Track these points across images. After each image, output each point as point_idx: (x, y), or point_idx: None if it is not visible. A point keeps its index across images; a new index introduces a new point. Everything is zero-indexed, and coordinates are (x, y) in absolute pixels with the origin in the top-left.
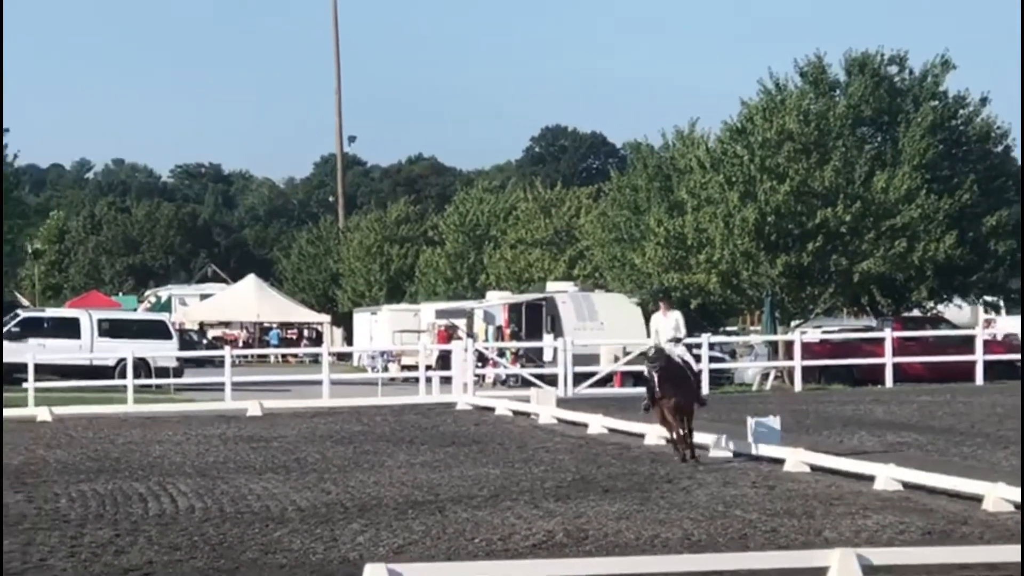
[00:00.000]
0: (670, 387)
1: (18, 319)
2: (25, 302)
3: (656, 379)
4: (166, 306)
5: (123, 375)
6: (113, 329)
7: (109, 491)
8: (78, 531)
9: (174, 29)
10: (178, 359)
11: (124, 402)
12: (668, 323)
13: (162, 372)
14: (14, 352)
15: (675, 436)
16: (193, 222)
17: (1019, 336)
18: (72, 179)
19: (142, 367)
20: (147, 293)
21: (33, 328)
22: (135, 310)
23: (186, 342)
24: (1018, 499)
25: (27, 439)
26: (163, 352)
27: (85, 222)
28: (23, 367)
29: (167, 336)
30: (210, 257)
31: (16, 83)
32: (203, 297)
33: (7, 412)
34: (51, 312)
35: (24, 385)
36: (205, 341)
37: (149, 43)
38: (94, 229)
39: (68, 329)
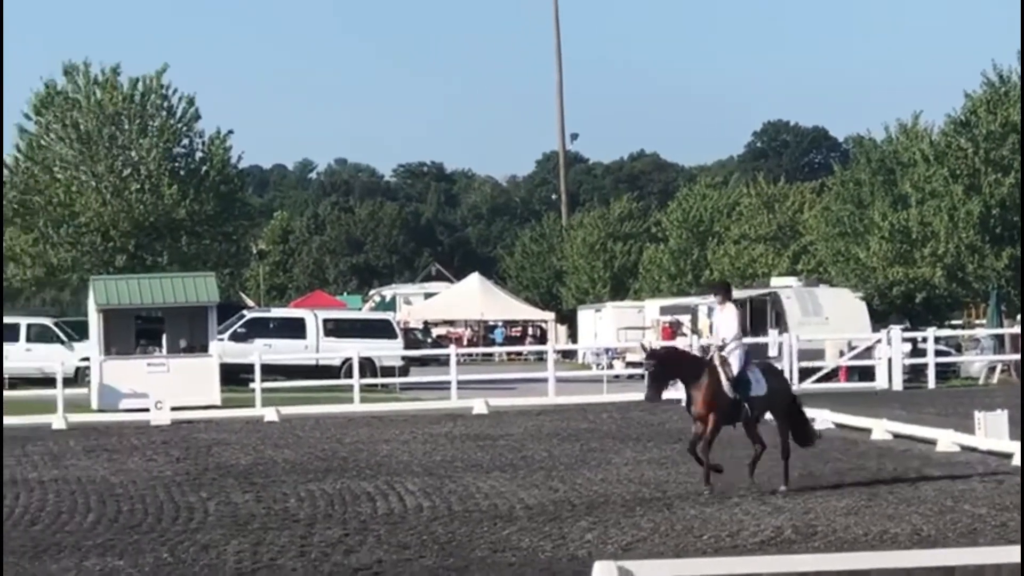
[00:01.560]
0: (654, 391)
1: (244, 319)
2: (250, 303)
3: (647, 380)
4: (390, 305)
5: (349, 374)
6: (338, 329)
7: (337, 490)
8: (307, 530)
9: (395, 29)
10: (403, 358)
11: (350, 401)
12: (721, 321)
13: (388, 371)
14: (240, 352)
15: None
16: (416, 221)
17: None
18: (295, 179)
19: (368, 366)
20: (371, 292)
21: (259, 328)
22: (360, 309)
23: (411, 341)
24: None
25: (254, 439)
26: (388, 351)
27: (309, 222)
28: (249, 367)
29: (392, 335)
30: (434, 256)
31: (240, 84)
32: (427, 296)
33: (235, 412)
34: (276, 312)
35: (251, 385)
36: (430, 340)
37: (370, 44)
38: (318, 229)
39: (294, 329)
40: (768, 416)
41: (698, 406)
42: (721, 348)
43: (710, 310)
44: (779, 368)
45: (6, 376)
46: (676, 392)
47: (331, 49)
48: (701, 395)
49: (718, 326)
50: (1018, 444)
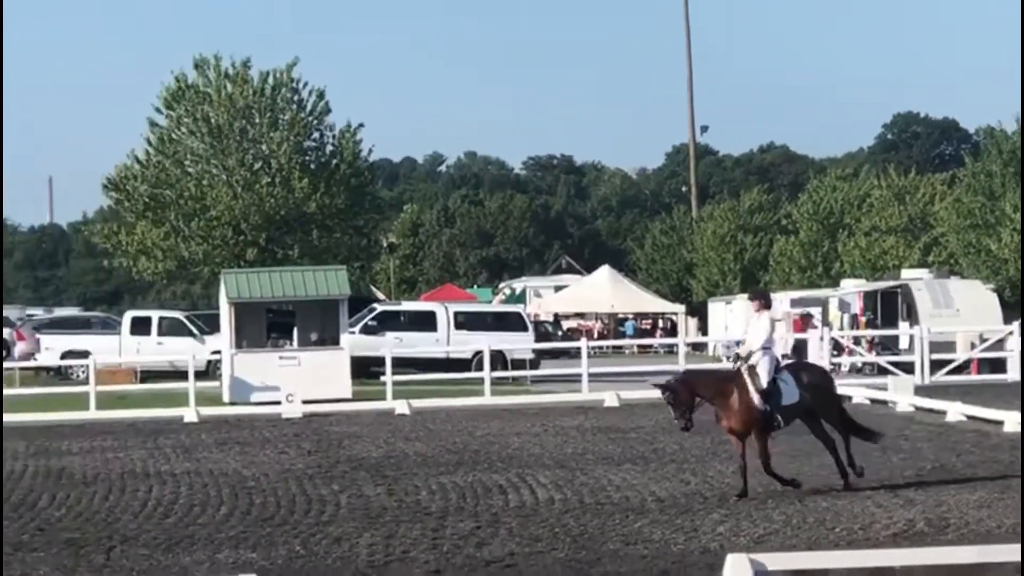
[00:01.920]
0: (682, 419)
1: (375, 313)
2: (381, 296)
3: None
4: (521, 298)
5: (479, 367)
6: (469, 321)
7: (469, 483)
8: (439, 523)
9: (526, 22)
10: (534, 351)
11: (481, 394)
12: (754, 329)
13: (518, 364)
14: (371, 346)
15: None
16: (546, 214)
17: None
18: (425, 172)
19: (498, 359)
20: (501, 285)
21: (390, 322)
22: (490, 302)
23: (541, 334)
24: None
25: (386, 432)
26: (519, 344)
27: (439, 215)
28: (380, 360)
29: (523, 328)
30: (563, 248)
31: (370, 78)
32: (557, 288)
33: (366, 405)
34: (407, 305)
35: (382, 378)
36: (560, 332)
37: (500, 37)
38: (448, 222)
39: (424, 322)
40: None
41: (730, 422)
42: (747, 358)
43: (841, 302)
44: (818, 367)
45: (138, 369)
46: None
47: (461, 42)
48: (731, 411)
49: (750, 335)
50: None
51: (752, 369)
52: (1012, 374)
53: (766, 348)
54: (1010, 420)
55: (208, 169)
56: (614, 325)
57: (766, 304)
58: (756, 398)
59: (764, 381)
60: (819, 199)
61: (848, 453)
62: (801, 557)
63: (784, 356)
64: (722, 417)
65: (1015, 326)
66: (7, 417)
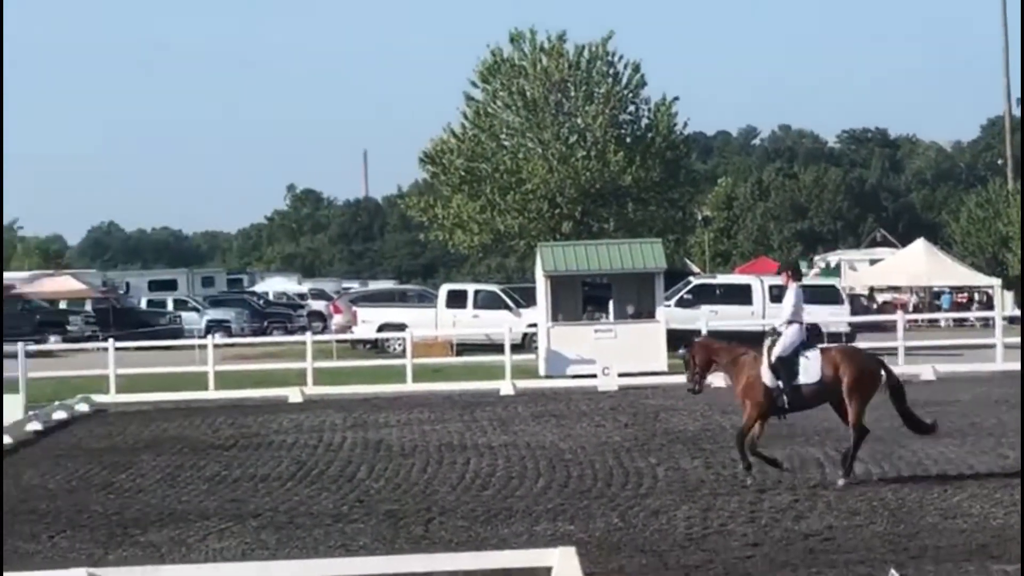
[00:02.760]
0: (690, 381)
1: (691, 286)
2: (696, 269)
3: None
4: (835, 271)
5: None
6: (782, 295)
7: (786, 456)
8: (757, 497)
9: None
10: (849, 324)
11: None
12: (784, 302)
13: (834, 337)
14: (686, 319)
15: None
16: (860, 187)
17: None
18: (738, 146)
19: (813, 333)
20: (816, 258)
21: (705, 295)
22: (805, 275)
23: (857, 307)
24: None
25: (702, 405)
26: (835, 317)
27: (753, 188)
28: (696, 333)
29: (838, 301)
30: (878, 222)
31: (686, 50)
32: (872, 262)
33: (682, 378)
34: (723, 279)
35: None
36: (875, 306)
37: (811, 7)
38: (762, 195)
39: (740, 295)
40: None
41: (736, 391)
42: (775, 332)
43: None
44: (860, 352)
45: (454, 342)
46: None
47: (772, 13)
48: (738, 381)
49: (782, 307)
50: None
51: (773, 343)
52: None
53: (791, 321)
54: None
55: (523, 142)
56: (929, 299)
57: (796, 276)
58: (766, 373)
59: (776, 355)
60: None
61: (853, 455)
62: None
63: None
64: (735, 391)
65: None
66: (328, 389)
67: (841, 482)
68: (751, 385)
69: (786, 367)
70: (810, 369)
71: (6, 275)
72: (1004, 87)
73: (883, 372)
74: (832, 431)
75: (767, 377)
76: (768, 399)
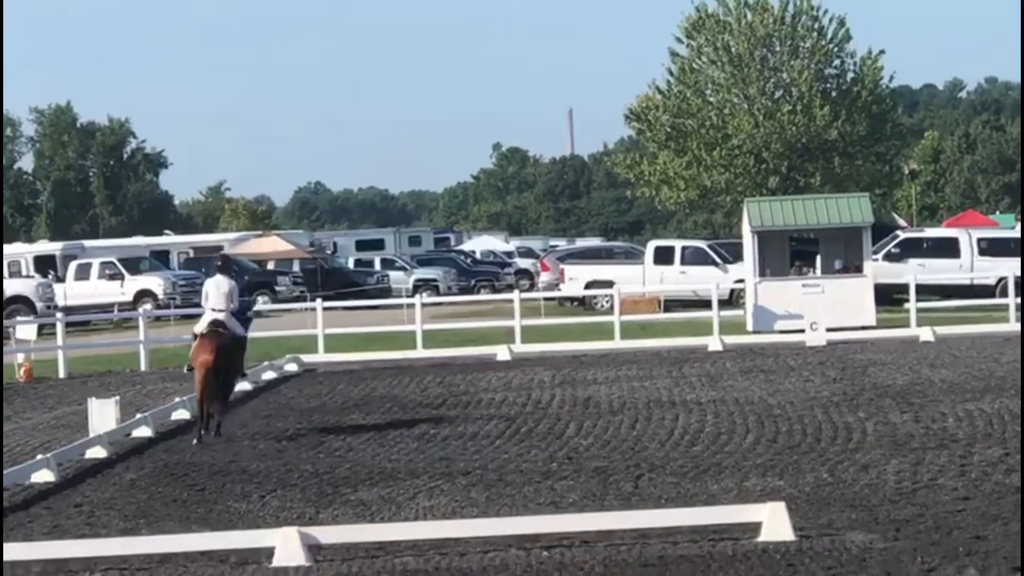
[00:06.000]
0: None
1: (898, 240)
2: (903, 223)
3: None
4: None
5: (1004, 294)
6: (992, 248)
7: (995, 410)
8: (966, 450)
9: None
10: None
11: (1006, 321)
12: None
13: None
14: (894, 273)
15: None
16: None
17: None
18: (945, 99)
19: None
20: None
21: (912, 249)
22: (1013, 228)
23: None
24: None
25: (910, 359)
26: None
27: (960, 141)
28: (904, 288)
29: None
30: None
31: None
32: None
33: (889, 333)
34: (930, 232)
35: (905, 305)
36: None
37: None
38: (968, 148)
39: (947, 249)
40: None
41: None
42: None
43: None
44: None
45: (662, 298)
46: None
47: None
48: None
49: None
50: None
51: None
52: None
53: None
54: None
55: (729, 98)
56: None
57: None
58: None
59: None
60: None
61: None
62: None
63: None
64: None
65: None
66: (536, 346)
67: None
68: None
69: None
70: None
71: (215, 236)
72: None
73: None
74: None
75: None
76: None
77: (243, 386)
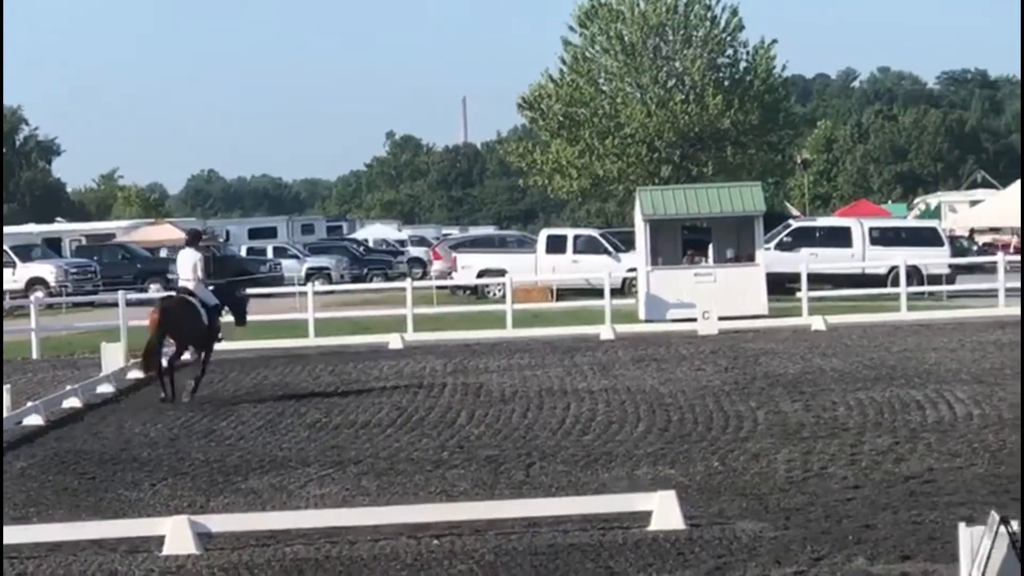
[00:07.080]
0: None
1: (790, 229)
2: (795, 212)
3: None
4: (935, 213)
5: (895, 283)
6: (884, 237)
7: (886, 399)
8: (857, 439)
9: None
10: (950, 266)
11: (897, 310)
12: None
13: (934, 279)
14: (786, 262)
15: None
16: (960, 128)
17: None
18: (838, 88)
19: (914, 274)
20: (916, 200)
21: (805, 238)
22: (904, 218)
23: (957, 249)
24: None
25: (802, 348)
26: (935, 259)
27: (852, 131)
28: (796, 277)
29: (938, 243)
30: (978, 163)
31: None
32: (972, 203)
33: (781, 322)
34: (822, 221)
35: (797, 294)
36: (975, 247)
37: None
38: (861, 137)
39: (839, 238)
40: None
41: None
42: None
43: None
44: None
45: (554, 287)
46: None
47: None
48: None
49: None
50: None
51: None
52: None
53: None
54: None
55: (622, 87)
56: None
57: None
58: None
59: None
60: None
61: None
62: None
63: None
64: None
65: None
66: (428, 335)
67: None
68: None
69: None
70: None
71: (108, 224)
72: None
73: None
74: (932, 373)
75: None
76: None
77: (134, 374)
